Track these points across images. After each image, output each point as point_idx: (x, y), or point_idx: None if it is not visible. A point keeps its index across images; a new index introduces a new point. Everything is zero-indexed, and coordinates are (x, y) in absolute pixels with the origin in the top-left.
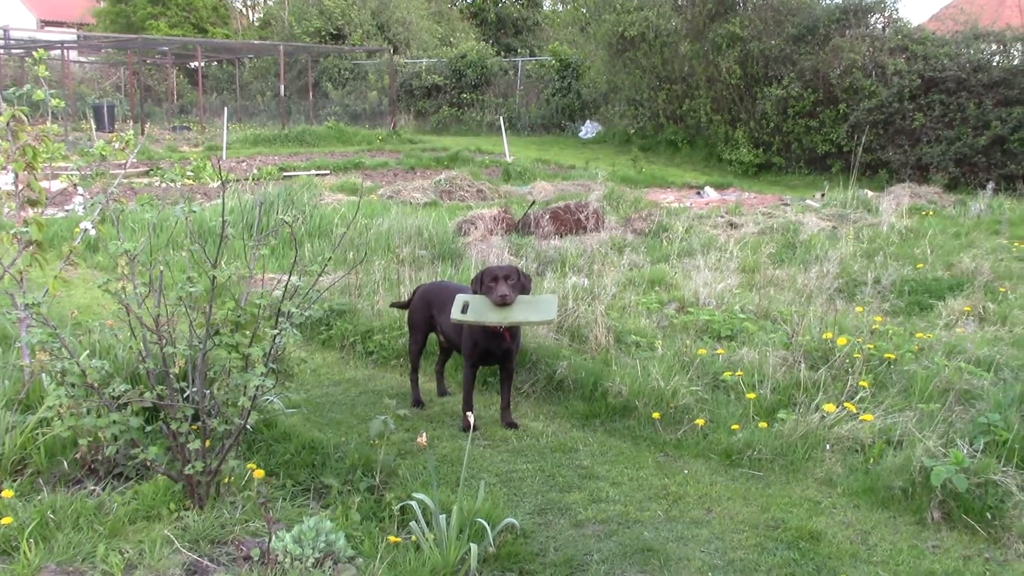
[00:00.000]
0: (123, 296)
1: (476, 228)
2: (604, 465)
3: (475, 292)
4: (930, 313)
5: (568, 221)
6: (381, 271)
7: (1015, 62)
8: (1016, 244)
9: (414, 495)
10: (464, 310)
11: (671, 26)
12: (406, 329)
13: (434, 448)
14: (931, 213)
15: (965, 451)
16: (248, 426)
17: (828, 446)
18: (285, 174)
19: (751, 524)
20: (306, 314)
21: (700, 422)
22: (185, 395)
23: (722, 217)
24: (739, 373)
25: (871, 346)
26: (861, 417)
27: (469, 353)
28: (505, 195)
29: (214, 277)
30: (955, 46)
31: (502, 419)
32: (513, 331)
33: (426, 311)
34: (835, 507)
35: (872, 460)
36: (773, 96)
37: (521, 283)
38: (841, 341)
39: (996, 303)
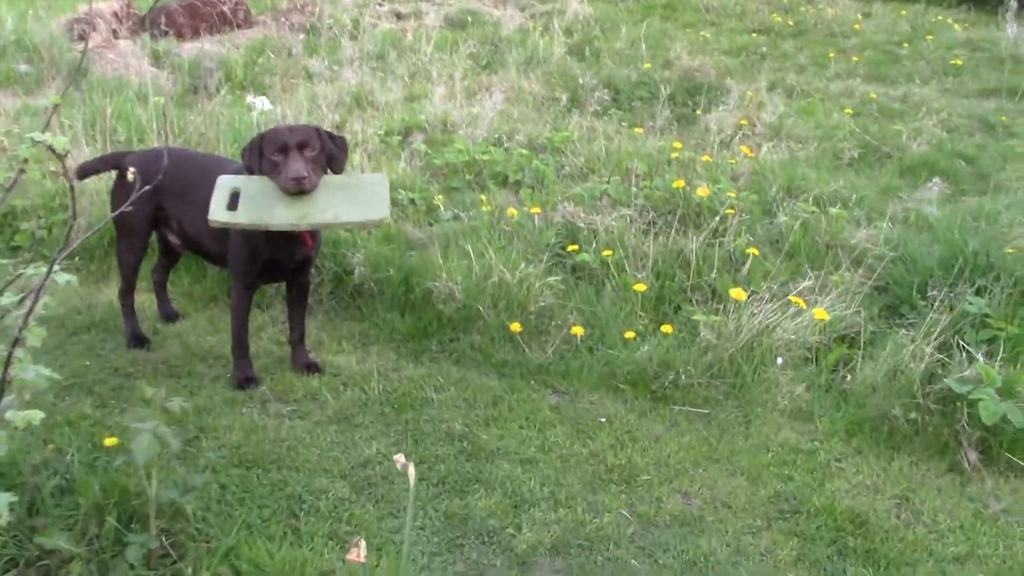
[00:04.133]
0: None
1: (96, 30)
2: (486, 426)
3: (250, 171)
4: (694, 127)
5: (210, 16)
6: None
7: None
8: (703, 35)
9: None
10: (233, 204)
11: None
12: (70, 206)
13: (210, 433)
14: None
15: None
16: None
17: (779, 360)
18: None
19: (761, 513)
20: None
21: (578, 331)
22: None
23: (381, 5)
24: (607, 252)
25: (732, 194)
26: (815, 314)
27: (244, 268)
28: None
29: None
30: None
31: (294, 360)
32: (315, 231)
33: (149, 201)
34: (839, 460)
35: (838, 374)
36: None
37: (327, 154)
38: (702, 192)
39: (760, 110)
